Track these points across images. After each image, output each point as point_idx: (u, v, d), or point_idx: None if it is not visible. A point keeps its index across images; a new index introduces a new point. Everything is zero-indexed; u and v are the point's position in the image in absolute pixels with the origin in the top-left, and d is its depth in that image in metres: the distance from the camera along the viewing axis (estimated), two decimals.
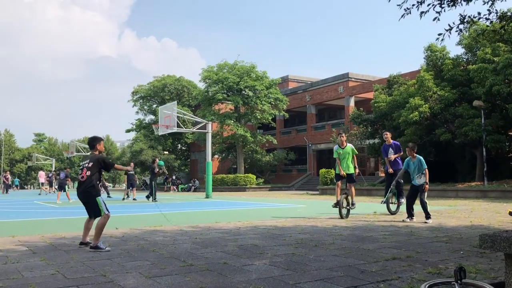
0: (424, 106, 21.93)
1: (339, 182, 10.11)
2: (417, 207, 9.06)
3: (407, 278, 3.90)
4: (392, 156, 10.17)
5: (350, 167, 10.01)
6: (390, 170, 10.26)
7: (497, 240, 3.01)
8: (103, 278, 4.02)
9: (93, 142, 6.17)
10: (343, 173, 9.91)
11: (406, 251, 5.28)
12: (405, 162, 9.14)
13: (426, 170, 8.82)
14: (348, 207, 9.69)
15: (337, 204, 9.71)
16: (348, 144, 10.20)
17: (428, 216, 8.74)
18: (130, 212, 12.97)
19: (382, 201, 10.25)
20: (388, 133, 10.82)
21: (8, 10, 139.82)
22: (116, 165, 6.45)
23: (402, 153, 10.39)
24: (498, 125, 21.41)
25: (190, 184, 40.97)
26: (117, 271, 4.34)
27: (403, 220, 8.96)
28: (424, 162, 8.87)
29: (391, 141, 10.56)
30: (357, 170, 10.20)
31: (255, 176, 37.60)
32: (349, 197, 9.83)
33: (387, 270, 4.24)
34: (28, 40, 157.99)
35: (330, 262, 4.69)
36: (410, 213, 9.03)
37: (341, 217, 9.47)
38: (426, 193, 8.83)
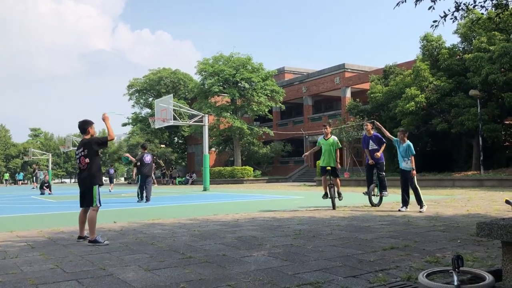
0: (420, 96, 21.95)
1: (325, 177, 9.93)
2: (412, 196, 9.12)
3: (405, 267, 3.92)
4: (378, 153, 9.99)
5: (333, 160, 9.88)
6: (371, 162, 10.06)
7: (494, 228, 3.03)
8: (102, 272, 4.03)
9: (84, 125, 5.93)
10: (328, 166, 9.82)
11: (403, 241, 5.31)
12: (395, 140, 9.31)
13: (413, 157, 8.97)
14: (335, 197, 9.79)
15: (327, 196, 9.83)
16: (332, 136, 10.09)
17: (421, 204, 8.81)
18: (128, 206, 12.97)
19: (364, 192, 10.25)
20: (369, 124, 10.53)
21: (1, 4, 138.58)
22: (109, 136, 5.89)
23: (385, 144, 10.29)
24: (494, 114, 21.47)
25: (188, 177, 41.00)
26: (116, 264, 4.35)
27: (399, 210, 9.01)
28: (413, 149, 9.03)
29: (372, 132, 10.27)
30: (338, 165, 10.01)
31: (252, 169, 37.64)
32: (336, 189, 9.86)
33: (385, 260, 4.26)
34: (21, 34, 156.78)
35: (328, 252, 4.71)
36: (405, 202, 9.10)
37: (334, 207, 9.58)
38: (415, 179, 8.95)
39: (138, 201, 14.01)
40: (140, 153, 14.78)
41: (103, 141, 5.97)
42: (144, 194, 13.96)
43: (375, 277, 3.60)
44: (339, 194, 9.99)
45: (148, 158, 14.27)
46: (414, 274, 3.59)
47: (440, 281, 3.29)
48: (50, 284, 3.63)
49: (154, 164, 18.66)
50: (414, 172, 8.96)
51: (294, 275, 3.73)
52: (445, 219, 7.40)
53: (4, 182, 54.09)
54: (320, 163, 10.15)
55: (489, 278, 3.10)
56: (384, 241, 5.31)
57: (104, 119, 6.10)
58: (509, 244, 3.01)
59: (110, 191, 24.11)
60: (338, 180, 10.03)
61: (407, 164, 8.99)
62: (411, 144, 9.06)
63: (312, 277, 3.65)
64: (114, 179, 28.70)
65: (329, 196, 9.78)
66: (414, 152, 9.01)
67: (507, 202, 7.96)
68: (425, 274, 3.31)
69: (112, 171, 28.42)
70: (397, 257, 4.38)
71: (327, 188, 9.81)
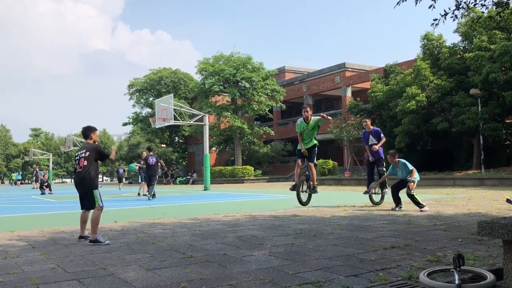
0: (421, 95, 21.93)
1: (300, 161, 8.76)
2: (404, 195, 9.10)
3: (406, 266, 3.92)
4: (376, 146, 9.80)
5: (311, 141, 8.74)
6: (371, 159, 9.95)
7: (495, 227, 3.03)
8: (103, 271, 4.03)
9: (87, 131, 6.11)
10: (304, 149, 8.64)
11: (404, 240, 5.30)
12: (390, 169, 9.14)
13: (414, 169, 8.83)
14: (308, 191, 8.55)
15: (294, 188, 8.46)
16: (313, 117, 8.78)
17: (421, 205, 8.72)
18: (129, 205, 12.98)
19: (365, 191, 10.04)
20: (367, 120, 10.35)
21: (0, 4, 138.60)
22: (110, 156, 6.36)
23: (384, 139, 10.16)
24: (494, 113, 21.45)
25: (188, 177, 41.03)
26: (117, 264, 4.35)
27: (392, 209, 9.00)
28: (409, 163, 8.88)
29: (371, 127, 10.13)
30: (324, 115, 8.70)
31: (253, 168, 37.63)
32: (310, 180, 8.56)
33: (386, 259, 4.26)
34: (21, 34, 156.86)
35: (329, 251, 4.70)
36: (397, 202, 9.05)
37: (300, 202, 8.39)
38: (411, 190, 8.76)
39: (148, 199, 15.17)
40: (146, 154, 16.35)
41: (104, 156, 6.11)
42: (146, 192, 15.56)
43: (376, 276, 3.59)
44: (314, 188, 8.56)
45: (152, 160, 15.58)
46: (415, 273, 3.59)
47: (441, 280, 3.29)
48: (51, 284, 3.63)
49: (163, 164, 19.86)
50: (412, 185, 8.72)
51: (295, 275, 3.73)
52: (446, 218, 7.39)
53: (12, 182, 55.16)
54: (298, 146, 8.95)
55: (490, 277, 3.09)
56: (385, 240, 5.30)
57: (112, 149, 6.74)
58: (510, 243, 3.01)
59: (119, 189, 25.49)
60: (314, 169, 8.61)
61: (410, 177, 8.88)
62: (405, 162, 8.91)
63: (313, 276, 3.65)
64: (123, 179, 29.99)
65: (296, 189, 8.41)
66: (412, 167, 8.84)
67: (508, 201, 7.91)
68: (426, 273, 3.31)
69: (121, 170, 29.95)
70: (398, 256, 4.38)
71: (299, 177, 8.54)
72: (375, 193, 9.99)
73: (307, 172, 8.59)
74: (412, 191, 8.68)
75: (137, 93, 50.14)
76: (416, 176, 8.86)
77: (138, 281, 3.65)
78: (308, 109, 8.75)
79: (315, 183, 8.58)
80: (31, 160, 58.24)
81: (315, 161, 8.70)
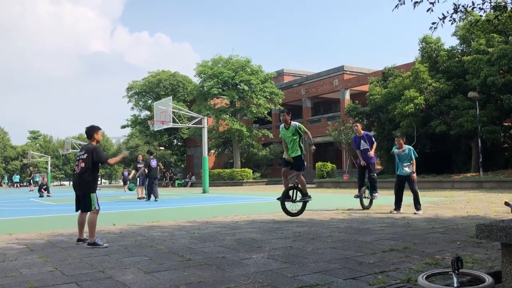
0: (419, 98, 21.96)
1: (285, 170, 8.40)
2: (406, 197, 9.14)
3: (405, 269, 3.92)
4: (371, 152, 9.78)
5: (296, 149, 8.22)
6: (363, 163, 9.89)
7: (493, 230, 3.03)
8: (102, 274, 4.02)
9: (90, 131, 6.04)
10: (288, 157, 8.23)
11: (403, 243, 5.30)
12: (394, 147, 9.24)
13: (414, 160, 9.00)
14: (301, 200, 8.21)
15: (284, 197, 8.01)
16: (292, 123, 8.38)
17: (418, 207, 8.82)
18: (127, 208, 12.96)
19: (355, 195, 10.00)
20: (358, 124, 10.28)
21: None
22: (109, 160, 6.22)
23: (375, 144, 10.20)
24: (493, 116, 21.49)
25: (187, 180, 40.99)
26: (115, 267, 4.34)
27: (390, 212, 9.02)
28: (415, 152, 9.07)
29: (362, 132, 10.08)
30: (311, 140, 8.47)
31: (251, 171, 37.61)
32: (299, 189, 8.20)
33: (384, 262, 4.26)
34: (20, 36, 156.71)
35: (328, 254, 4.70)
36: (398, 205, 9.09)
37: (287, 213, 8.01)
38: (416, 183, 8.98)
39: (146, 200, 15.83)
40: (142, 157, 17.64)
41: (102, 159, 5.97)
42: (151, 194, 15.94)
43: (374, 279, 3.60)
44: (305, 195, 8.21)
45: (154, 163, 16.29)
46: (414, 276, 3.59)
47: (439, 283, 3.29)
48: (49, 287, 3.62)
49: (162, 167, 20.62)
50: (415, 175, 8.98)
51: (294, 277, 3.73)
52: (444, 221, 7.40)
53: (15, 184, 54.93)
54: (283, 154, 8.52)
55: (488, 280, 3.10)
56: (383, 243, 5.31)
57: (121, 155, 6.96)
58: (508, 245, 3.01)
59: (125, 192, 26.29)
60: (302, 177, 8.24)
61: (408, 168, 8.97)
62: (412, 148, 9.12)
63: (311, 279, 3.65)
64: (128, 181, 30.46)
65: (280, 199, 8.04)
66: (417, 155, 9.10)
67: (506, 204, 7.94)
68: (425, 276, 3.31)
69: (126, 173, 30.99)
70: (397, 259, 4.38)
71: (287, 186, 8.23)
72: (365, 197, 9.99)
73: (295, 182, 8.27)
74: (416, 183, 9.00)
75: (136, 96, 50.11)
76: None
77: (136, 284, 3.65)
78: (285, 113, 8.40)
79: (305, 189, 8.26)
80: (29, 163, 58.15)
81: (303, 169, 8.32)
